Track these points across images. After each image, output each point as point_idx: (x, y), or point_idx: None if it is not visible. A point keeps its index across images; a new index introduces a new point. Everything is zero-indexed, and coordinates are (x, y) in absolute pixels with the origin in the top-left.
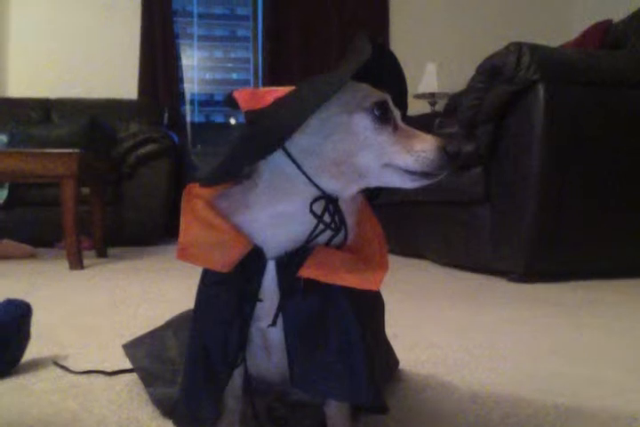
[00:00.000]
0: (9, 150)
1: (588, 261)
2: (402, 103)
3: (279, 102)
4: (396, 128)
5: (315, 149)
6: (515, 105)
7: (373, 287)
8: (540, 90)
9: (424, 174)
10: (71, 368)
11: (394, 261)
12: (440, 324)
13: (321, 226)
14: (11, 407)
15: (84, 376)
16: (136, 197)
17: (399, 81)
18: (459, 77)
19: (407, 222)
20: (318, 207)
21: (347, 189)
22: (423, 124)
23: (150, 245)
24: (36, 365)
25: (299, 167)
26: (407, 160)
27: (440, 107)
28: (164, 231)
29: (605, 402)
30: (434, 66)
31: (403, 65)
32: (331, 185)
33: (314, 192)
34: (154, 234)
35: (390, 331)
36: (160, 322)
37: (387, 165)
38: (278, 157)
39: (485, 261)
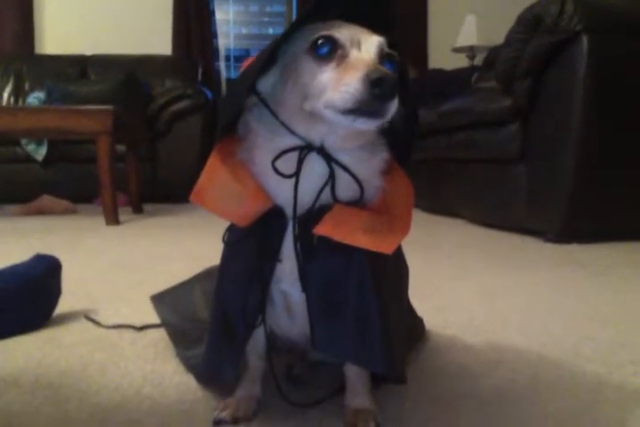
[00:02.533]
0: (45, 107)
1: (627, 221)
2: (386, 29)
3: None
4: (341, 62)
5: (280, 97)
6: (556, 57)
7: (386, 251)
8: (584, 41)
9: (362, 111)
10: (101, 322)
11: (427, 219)
12: (471, 285)
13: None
14: (40, 360)
15: (114, 331)
16: (171, 154)
17: (375, 5)
18: (499, 30)
19: (441, 180)
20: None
21: (328, 136)
22: (462, 77)
23: (185, 202)
24: (67, 318)
25: (275, 117)
26: (334, 97)
27: (479, 60)
28: None
29: (637, 368)
30: (473, 18)
31: (441, 17)
32: (306, 132)
33: (297, 142)
34: (188, 190)
35: (419, 292)
36: None
37: (327, 106)
38: (260, 109)
39: (520, 220)
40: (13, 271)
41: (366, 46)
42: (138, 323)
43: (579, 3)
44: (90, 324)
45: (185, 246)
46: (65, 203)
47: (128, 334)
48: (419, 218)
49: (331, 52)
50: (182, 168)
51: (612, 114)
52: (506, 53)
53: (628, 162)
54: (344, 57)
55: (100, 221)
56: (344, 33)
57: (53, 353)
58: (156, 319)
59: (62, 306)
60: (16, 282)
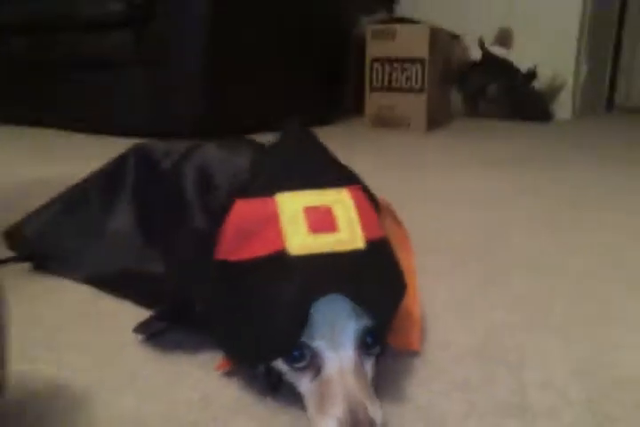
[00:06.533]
0: None
1: (249, 115)
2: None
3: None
4: (318, 373)
5: None
6: None
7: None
8: None
9: None
10: None
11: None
12: None
13: None
14: None
15: None
16: None
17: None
18: None
19: (28, 85)
20: None
21: None
22: None
23: None
24: None
25: None
26: (316, 424)
27: None
28: None
29: None
30: None
31: None
32: None
33: None
34: None
35: None
36: None
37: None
38: None
39: (143, 123)
40: None
41: (342, 341)
42: None
43: None
44: None
45: None
46: None
47: None
48: None
49: (302, 356)
50: None
51: (231, 16)
52: None
53: (245, 62)
54: (319, 366)
55: None
56: (317, 338)
57: None
58: None
59: None
60: None
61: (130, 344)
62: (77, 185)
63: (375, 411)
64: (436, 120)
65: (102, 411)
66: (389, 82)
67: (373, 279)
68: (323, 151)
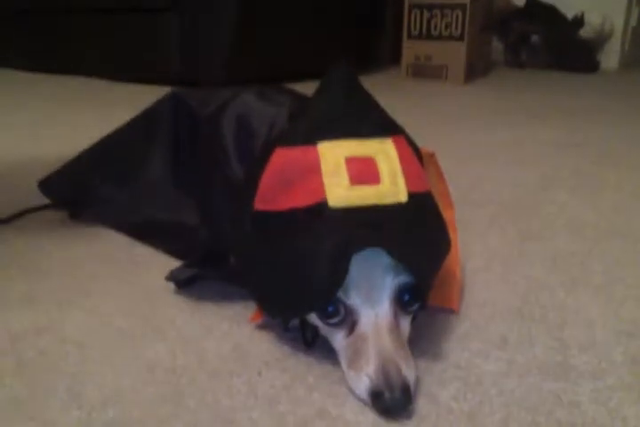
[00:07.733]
0: None
1: (279, 63)
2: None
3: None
4: (352, 330)
5: None
6: None
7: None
8: None
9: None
10: None
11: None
12: None
13: None
14: None
15: None
16: None
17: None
18: None
19: (60, 34)
20: None
21: None
22: None
23: None
24: None
25: None
26: (351, 385)
27: None
28: None
29: None
30: None
31: None
32: None
33: None
34: None
35: None
36: None
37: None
38: None
39: (173, 70)
40: None
41: (378, 298)
42: None
43: None
44: None
45: None
46: None
47: None
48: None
49: (337, 312)
50: None
51: None
52: None
53: (279, 4)
54: (354, 322)
55: None
56: (352, 293)
57: None
58: None
59: None
60: None
61: (163, 294)
62: (113, 133)
63: (409, 371)
64: (475, 70)
65: (135, 359)
66: (428, 29)
67: (415, 234)
68: (367, 98)
